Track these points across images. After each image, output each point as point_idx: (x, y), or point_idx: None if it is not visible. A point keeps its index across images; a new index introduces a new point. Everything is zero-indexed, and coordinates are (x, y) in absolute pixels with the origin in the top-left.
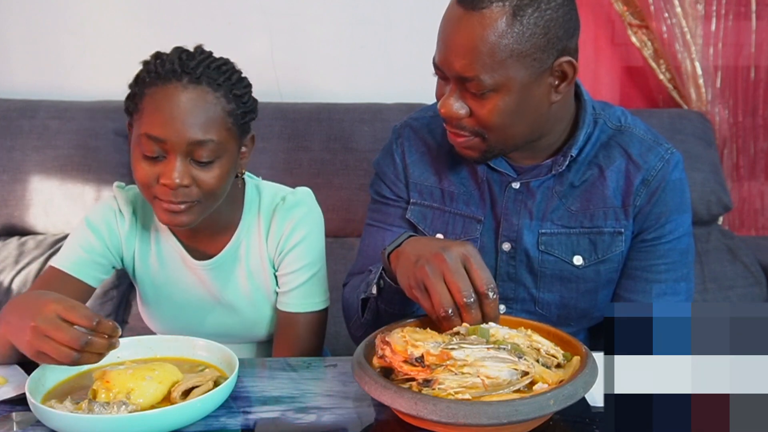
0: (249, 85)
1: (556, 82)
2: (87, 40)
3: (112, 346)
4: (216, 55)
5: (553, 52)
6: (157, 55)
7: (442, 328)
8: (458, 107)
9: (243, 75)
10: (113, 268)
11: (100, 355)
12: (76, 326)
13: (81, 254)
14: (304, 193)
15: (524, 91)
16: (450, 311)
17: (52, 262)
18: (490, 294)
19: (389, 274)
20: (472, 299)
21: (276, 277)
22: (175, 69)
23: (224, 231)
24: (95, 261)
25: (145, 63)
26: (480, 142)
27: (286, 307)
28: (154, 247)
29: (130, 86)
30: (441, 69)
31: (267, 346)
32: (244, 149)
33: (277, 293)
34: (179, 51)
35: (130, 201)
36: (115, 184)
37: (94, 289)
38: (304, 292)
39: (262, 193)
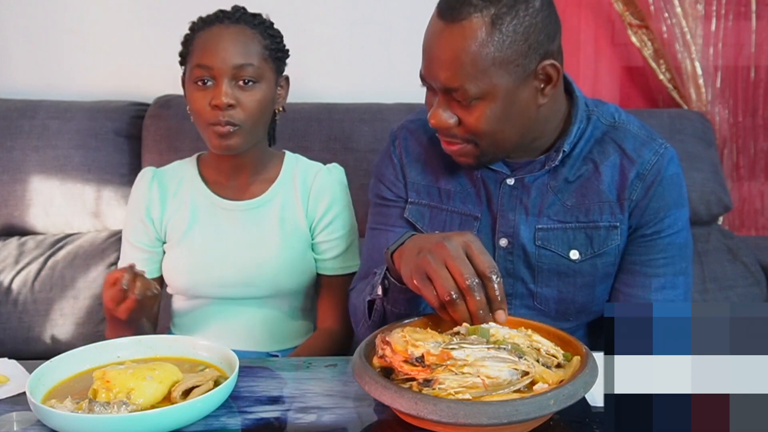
0: (280, 33)
1: (542, 86)
2: (87, 40)
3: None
4: None
5: (536, 56)
6: (200, 17)
7: (447, 317)
8: (447, 117)
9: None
10: (162, 245)
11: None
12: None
13: (139, 255)
14: (341, 168)
15: (510, 96)
16: (454, 295)
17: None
18: (493, 277)
19: (393, 274)
20: (475, 281)
21: (314, 244)
22: (217, 15)
23: (261, 182)
24: (153, 257)
25: (192, 22)
26: (473, 148)
27: (327, 270)
28: (188, 199)
29: (182, 42)
30: (427, 81)
31: (295, 320)
32: (280, 90)
33: (312, 258)
34: (219, 9)
35: (161, 171)
36: (142, 171)
37: (159, 278)
38: (343, 258)
39: (299, 160)
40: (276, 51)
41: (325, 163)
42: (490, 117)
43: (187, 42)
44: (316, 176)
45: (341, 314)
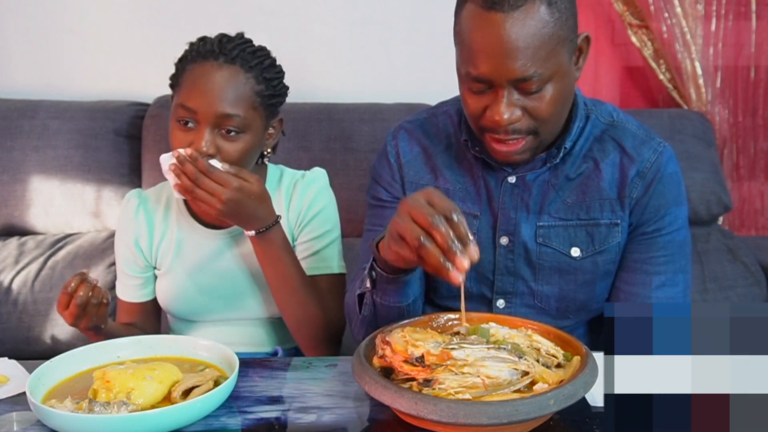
0: (280, 72)
1: (576, 60)
2: (87, 40)
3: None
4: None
5: (577, 30)
6: (202, 38)
7: (429, 269)
8: (515, 110)
9: (276, 62)
10: (154, 270)
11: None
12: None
13: (132, 282)
14: (321, 171)
15: (568, 74)
16: (422, 239)
17: (119, 295)
18: (455, 217)
19: (380, 264)
20: (437, 218)
21: (294, 247)
22: (213, 49)
23: None
24: (146, 282)
25: (191, 44)
26: (533, 139)
27: (307, 270)
28: (175, 227)
29: (175, 65)
30: (489, 79)
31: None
32: (271, 130)
33: None
34: (221, 35)
35: (146, 196)
36: (126, 196)
37: (155, 299)
38: (323, 257)
39: (284, 172)
40: (270, 97)
41: (325, 163)
42: (557, 98)
43: (178, 71)
44: (295, 185)
45: (322, 313)
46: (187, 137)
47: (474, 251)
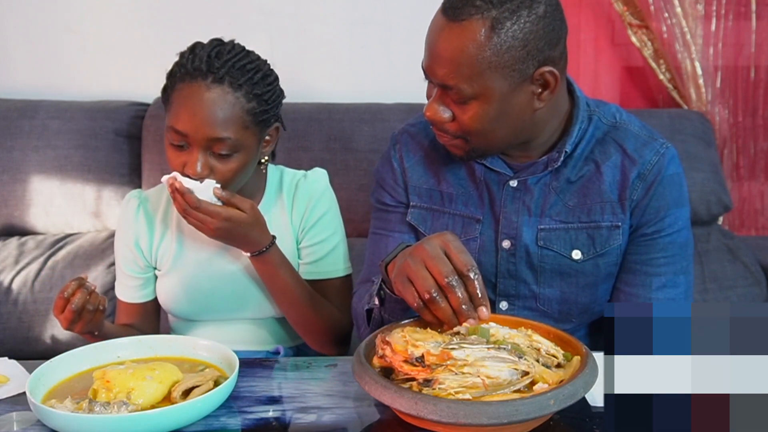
0: (273, 82)
1: (539, 90)
2: (87, 40)
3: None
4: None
5: (534, 62)
6: (192, 48)
7: (429, 318)
8: (442, 111)
9: (268, 72)
10: (154, 270)
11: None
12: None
13: (132, 282)
14: (322, 172)
15: (504, 99)
16: (434, 293)
17: (118, 295)
18: (471, 274)
19: (388, 285)
20: (454, 278)
21: (299, 250)
22: (201, 68)
23: None
24: (146, 282)
25: (180, 55)
26: (463, 143)
27: (314, 275)
28: (175, 227)
29: (166, 78)
30: (427, 73)
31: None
32: (268, 138)
33: (299, 265)
34: (213, 46)
35: (146, 197)
36: (126, 196)
37: (154, 299)
38: (328, 261)
39: (284, 173)
40: (262, 113)
41: (325, 163)
42: (483, 117)
43: (167, 87)
44: (297, 186)
45: (329, 315)
46: (181, 158)
47: (485, 314)
